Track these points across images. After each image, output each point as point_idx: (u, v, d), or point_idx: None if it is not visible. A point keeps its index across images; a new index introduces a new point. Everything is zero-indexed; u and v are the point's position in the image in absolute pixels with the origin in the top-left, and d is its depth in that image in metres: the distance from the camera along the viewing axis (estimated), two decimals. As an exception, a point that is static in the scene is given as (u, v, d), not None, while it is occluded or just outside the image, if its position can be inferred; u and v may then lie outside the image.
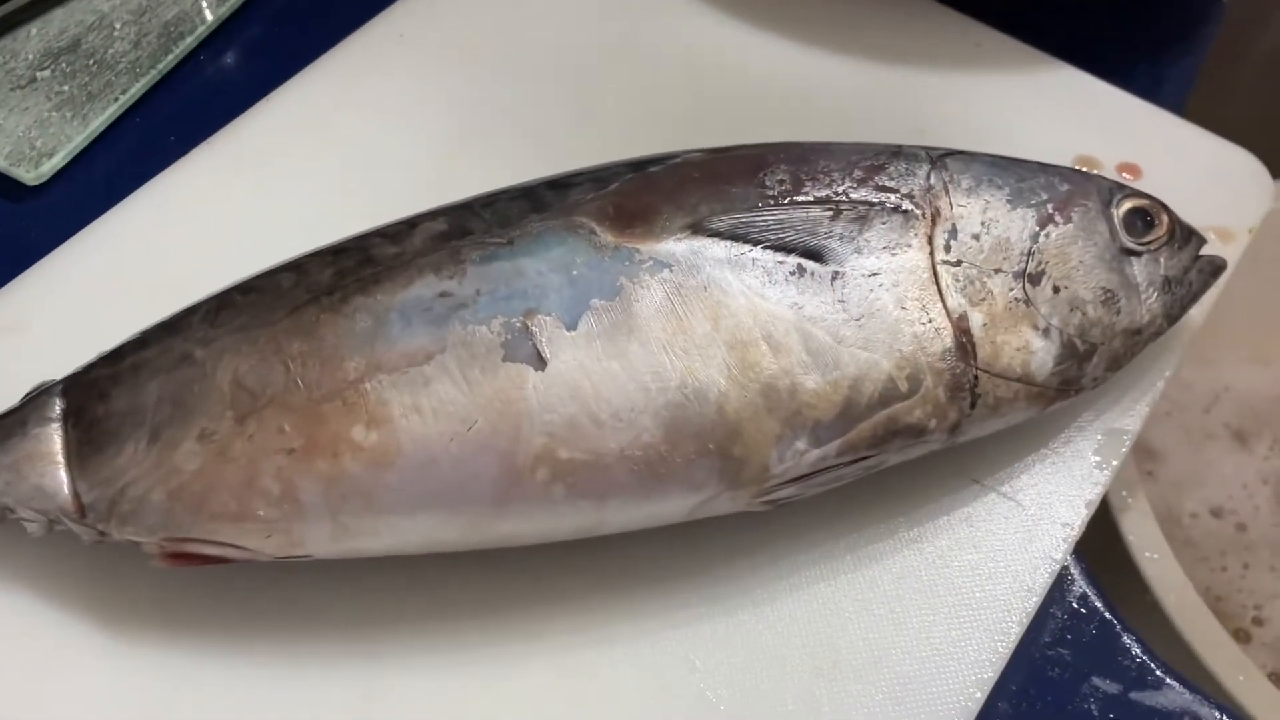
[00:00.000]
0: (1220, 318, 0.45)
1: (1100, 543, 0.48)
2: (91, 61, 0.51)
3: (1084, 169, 0.46)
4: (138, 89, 0.51)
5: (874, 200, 0.35)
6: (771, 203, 0.35)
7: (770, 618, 0.37)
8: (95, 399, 0.35)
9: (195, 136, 0.48)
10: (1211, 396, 0.76)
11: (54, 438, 0.35)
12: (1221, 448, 0.75)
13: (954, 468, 0.39)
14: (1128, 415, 0.41)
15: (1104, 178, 0.40)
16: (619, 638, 0.37)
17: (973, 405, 0.35)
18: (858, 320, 0.33)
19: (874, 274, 0.34)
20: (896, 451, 0.35)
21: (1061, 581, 0.39)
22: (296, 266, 0.35)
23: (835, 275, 0.34)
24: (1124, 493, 0.52)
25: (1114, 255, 0.37)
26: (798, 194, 0.35)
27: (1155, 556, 0.52)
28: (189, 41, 0.52)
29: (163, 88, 0.52)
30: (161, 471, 0.33)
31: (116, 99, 0.50)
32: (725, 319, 0.33)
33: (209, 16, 0.53)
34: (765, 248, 0.34)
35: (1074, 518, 0.39)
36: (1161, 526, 0.53)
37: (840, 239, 0.34)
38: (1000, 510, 0.39)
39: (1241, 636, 0.68)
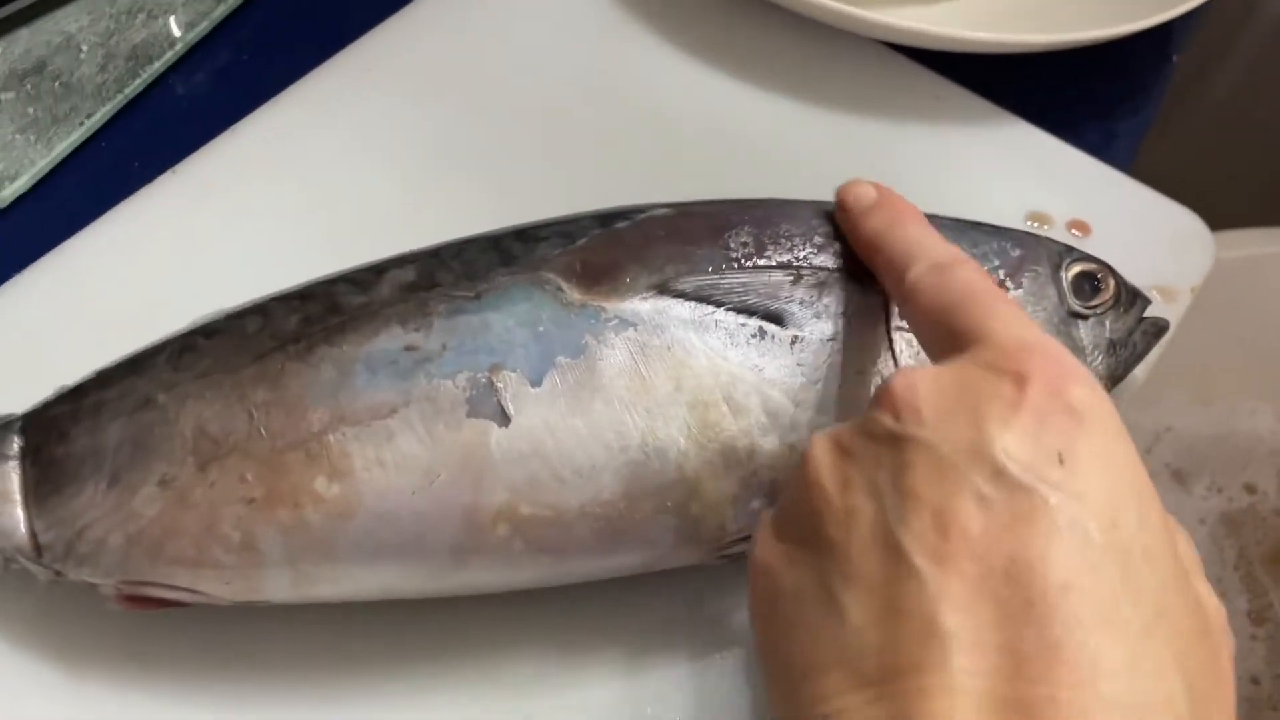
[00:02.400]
0: (1163, 360, 0.46)
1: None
2: (57, 84, 0.51)
3: (1036, 225, 0.48)
4: (104, 113, 0.50)
5: (832, 266, 0.36)
6: (735, 265, 0.35)
7: (724, 667, 0.38)
8: (55, 438, 0.35)
9: (161, 163, 0.48)
10: (1153, 436, 0.78)
11: (11, 475, 0.35)
12: (1161, 487, 0.76)
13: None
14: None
15: (1054, 241, 0.41)
16: (571, 685, 0.37)
17: (924, 467, 0.35)
18: (815, 384, 0.34)
19: (831, 339, 0.35)
20: (849, 510, 0.36)
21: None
22: (262, 310, 0.36)
23: (795, 339, 0.35)
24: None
25: (1062, 319, 0.38)
26: (760, 257, 0.36)
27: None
28: (156, 66, 0.52)
29: (129, 113, 0.51)
30: (120, 515, 0.33)
31: (82, 123, 0.50)
32: (688, 379, 0.34)
33: (177, 42, 0.53)
34: (728, 309, 0.35)
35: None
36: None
37: (800, 303, 0.35)
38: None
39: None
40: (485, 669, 0.37)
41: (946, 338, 0.30)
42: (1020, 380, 0.27)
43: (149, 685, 0.37)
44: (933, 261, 0.32)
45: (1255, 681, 0.69)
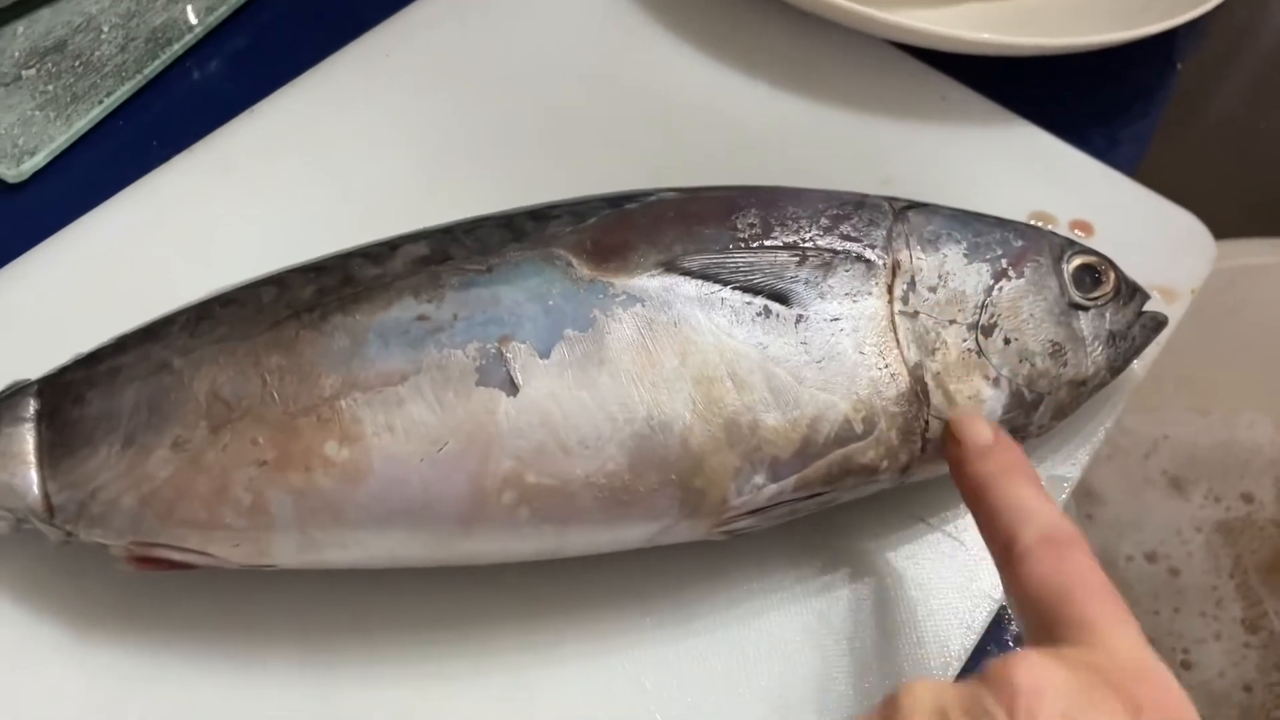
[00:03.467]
0: (1163, 367, 0.47)
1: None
2: (77, 63, 0.52)
3: (1040, 224, 0.48)
4: (123, 92, 0.51)
5: (838, 248, 0.37)
6: (742, 245, 0.36)
7: (721, 644, 0.38)
8: (70, 401, 0.35)
9: (178, 143, 0.49)
10: (1151, 443, 0.78)
11: (26, 437, 0.35)
12: (1159, 494, 0.77)
13: (902, 507, 0.41)
14: (1068, 463, 0.43)
15: (1056, 234, 0.41)
16: (572, 657, 0.38)
17: (923, 449, 0.36)
18: (818, 362, 0.35)
19: (836, 319, 0.36)
20: (849, 489, 0.36)
21: (999, 620, 0.41)
22: (278, 281, 0.36)
23: (799, 318, 0.35)
24: (1064, 535, 0.54)
25: (1063, 309, 0.39)
26: (767, 238, 0.36)
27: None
28: (175, 48, 0.53)
29: (147, 93, 0.52)
30: (133, 476, 0.34)
31: (101, 101, 0.50)
32: (693, 355, 0.34)
33: (196, 25, 0.53)
34: (734, 288, 0.35)
35: (1014, 559, 0.40)
36: (1098, 569, 0.54)
37: (805, 284, 0.36)
38: (944, 549, 0.40)
39: (1171, 679, 0.70)
40: (485, 640, 0.38)
41: (1053, 622, 0.30)
42: (1135, 709, 0.27)
43: (157, 646, 0.37)
44: (1045, 533, 0.32)
45: (1248, 689, 0.69)
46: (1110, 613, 0.30)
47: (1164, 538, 0.75)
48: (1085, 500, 0.73)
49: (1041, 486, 0.34)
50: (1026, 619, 0.32)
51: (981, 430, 0.35)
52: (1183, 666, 0.70)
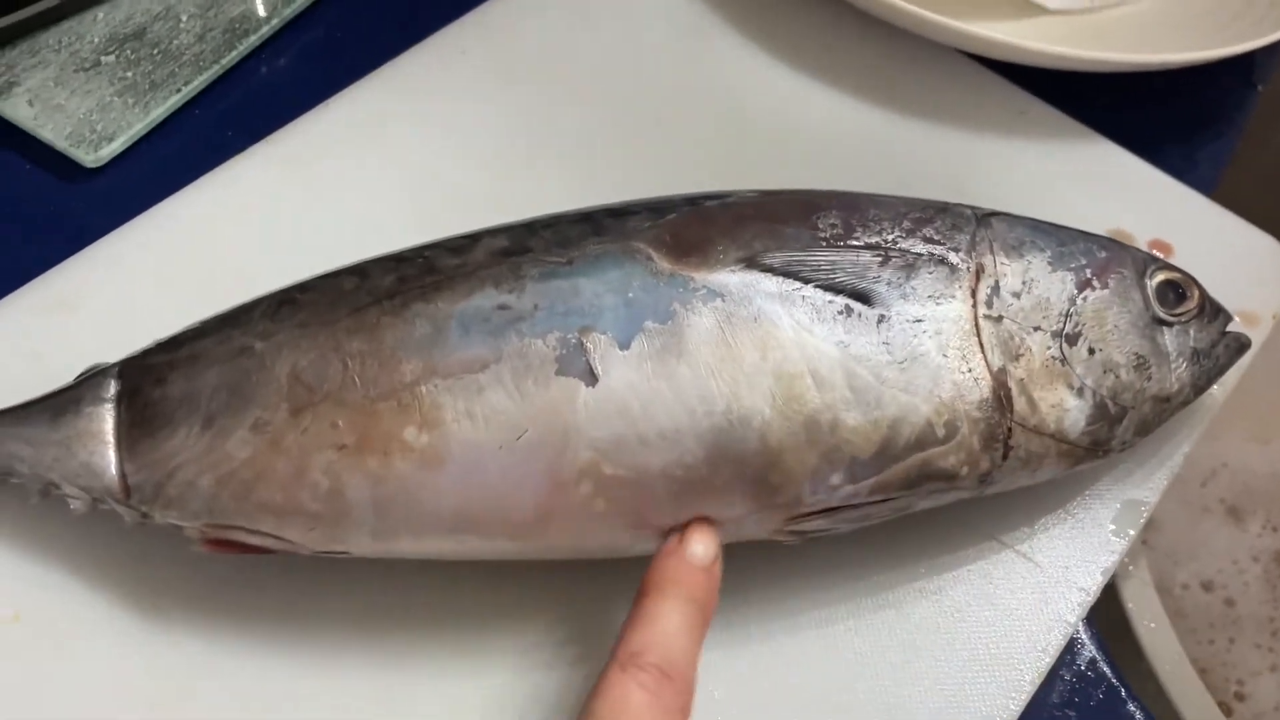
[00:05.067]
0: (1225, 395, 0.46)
1: (1099, 604, 0.49)
2: (156, 51, 0.52)
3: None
4: (200, 82, 0.52)
5: (921, 251, 0.36)
6: (823, 244, 0.36)
7: (790, 654, 0.38)
8: (151, 382, 0.35)
9: (253, 134, 0.49)
10: (1209, 471, 0.77)
11: (106, 418, 0.35)
12: (1216, 522, 0.76)
13: (975, 524, 0.40)
14: (1145, 486, 0.42)
15: (1139, 249, 0.41)
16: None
17: (1005, 456, 0.35)
18: (900, 363, 0.34)
19: (918, 320, 0.35)
20: (926, 496, 0.36)
21: (1072, 644, 0.40)
22: (359, 270, 0.36)
23: (881, 318, 0.35)
24: (1126, 560, 0.53)
25: (1147, 323, 0.38)
26: (849, 238, 0.36)
27: (1153, 625, 0.53)
28: (252, 40, 0.53)
29: (224, 83, 0.53)
30: (212, 458, 0.34)
31: (179, 90, 0.51)
32: (773, 350, 0.34)
33: (272, 18, 0.54)
34: (815, 286, 0.35)
35: (1090, 583, 0.40)
36: (1154, 595, 0.54)
37: (888, 284, 0.35)
38: (1018, 569, 0.40)
39: (1224, 710, 0.68)
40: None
41: None
42: None
43: (227, 632, 0.37)
44: (665, 664, 0.31)
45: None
46: None
47: (1221, 567, 0.74)
48: (1144, 526, 0.72)
49: (702, 627, 0.33)
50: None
51: (709, 546, 0.34)
52: (1236, 698, 0.69)
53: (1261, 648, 0.71)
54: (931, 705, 0.37)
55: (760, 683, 0.37)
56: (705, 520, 0.34)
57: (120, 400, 0.36)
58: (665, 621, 0.32)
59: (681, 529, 0.34)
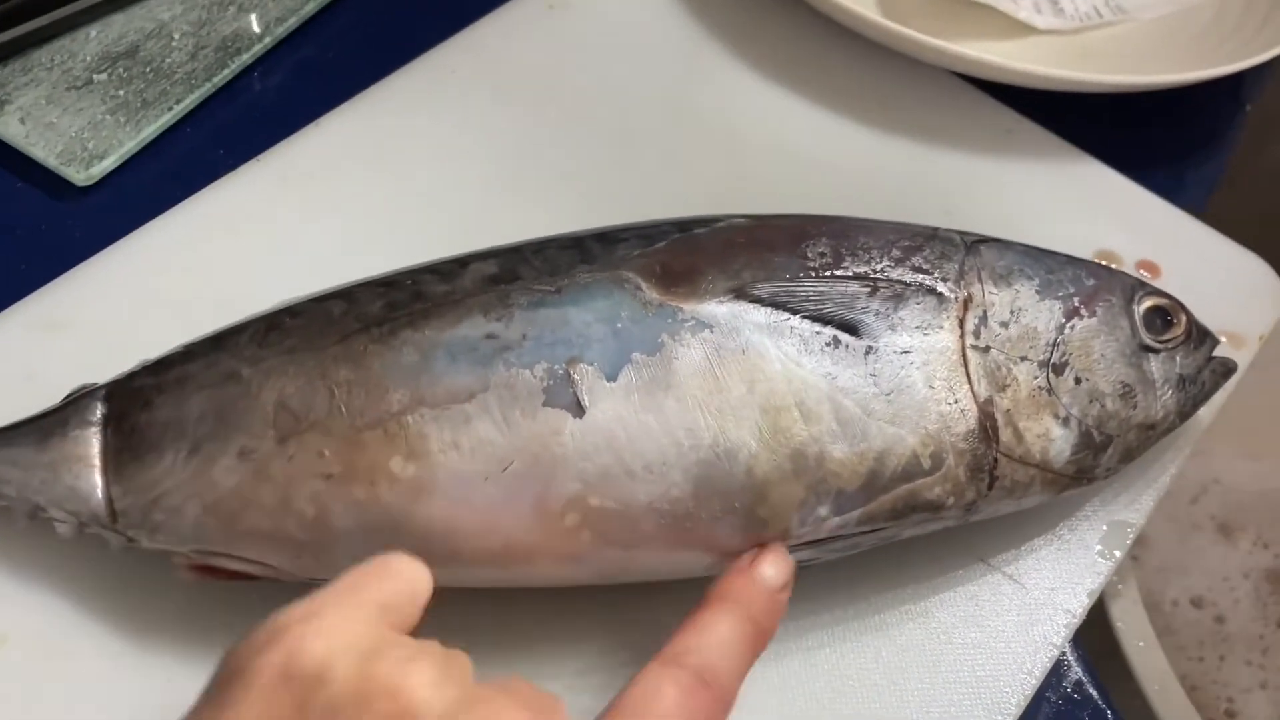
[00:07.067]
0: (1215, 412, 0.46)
1: (1087, 623, 0.50)
2: (148, 69, 0.52)
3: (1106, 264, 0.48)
4: (192, 100, 0.52)
5: (910, 280, 0.36)
6: (812, 274, 0.36)
7: (775, 679, 0.38)
8: (138, 407, 0.35)
9: (245, 152, 0.49)
10: (1200, 487, 0.77)
11: (93, 441, 0.35)
12: (1206, 539, 0.76)
13: (963, 546, 0.40)
14: (1132, 508, 0.42)
15: (1127, 274, 0.41)
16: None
17: (990, 486, 0.36)
18: (887, 395, 0.35)
19: (906, 351, 0.35)
20: (913, 525, 0.36)
21: (1059, 666, 0.40)
22: (347, 295, 0.36)
23: (869, 349, 0.35)
24: (1116, 579, 0.53)
25: (1134, 351, 0.38)
26: (837, 268, 0.36)
27: (1142, 645, 0.53)
28: (244, 58, 0.53)
29: (215, 101, 0.52)
30: (198, 484, 0.34)
31: (170, 108, 0.51)
32: (761, 383, 0.34)
33: (265, 36, 0.54)
34: (804, 317, 0.35)
35: (1076, 605, 0.40)
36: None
37: (876, 315, 0.35)
38: (1005, 591, 0.40)
39: (1215, 727, 0.68)
40: (536, 663, 0.38)
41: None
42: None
43: (213, 657, 0.37)
44: (705, 671, 0.31)
45: (1297, 738, 0.68)
46: None
47: (1211, 584, 0.74)
48: (1133, 544, 0.72)
49: (755, 648, 0.33)
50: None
51: (781, 571, 0.34)
52: (1227, 715, 0.69)
53: (1252, 664, 0.71)
54: (918, 729, 0.37)
55: (743, 705, 0.37)
56: (780, 546, 0.34)
57: (107, 424, 0.36)
58: (716, 632, 0.32)
59: (756, 550, 0.34)
